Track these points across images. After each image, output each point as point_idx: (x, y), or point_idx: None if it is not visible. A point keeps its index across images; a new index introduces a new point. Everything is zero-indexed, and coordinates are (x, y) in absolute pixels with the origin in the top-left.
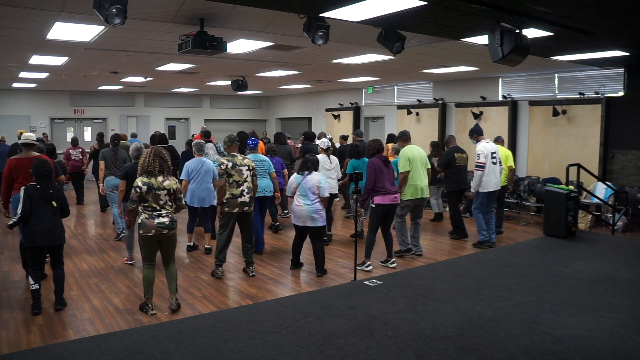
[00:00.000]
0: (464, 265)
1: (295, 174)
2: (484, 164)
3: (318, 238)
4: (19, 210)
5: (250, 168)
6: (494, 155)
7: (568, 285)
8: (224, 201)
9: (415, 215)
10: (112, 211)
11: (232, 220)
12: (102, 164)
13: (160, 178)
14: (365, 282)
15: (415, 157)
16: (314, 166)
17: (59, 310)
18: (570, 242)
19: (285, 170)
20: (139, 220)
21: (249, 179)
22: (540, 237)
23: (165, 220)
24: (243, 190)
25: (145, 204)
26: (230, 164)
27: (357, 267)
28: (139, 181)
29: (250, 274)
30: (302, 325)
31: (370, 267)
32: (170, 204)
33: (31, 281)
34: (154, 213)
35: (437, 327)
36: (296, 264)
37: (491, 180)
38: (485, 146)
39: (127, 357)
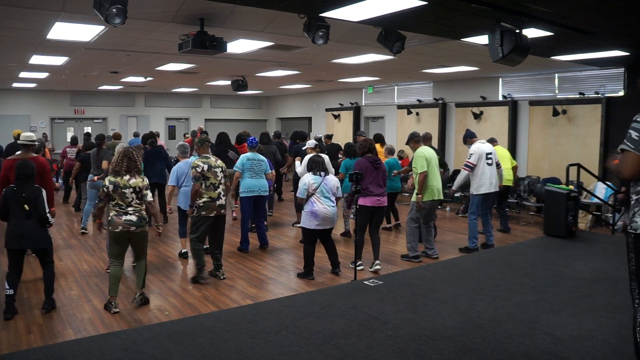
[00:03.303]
0: (464, 265)
1: (310, 175)
2: (473, 165)
3: (330, 238)
4: None
5: (223, 170)
6: (489, 156)
7: (568, 285)
8: (201, 205)
9: (428, 218)
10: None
11: (208, 225)
12: (105, 163)
13: (126, 177)
14: (365, 282)
15: (431, 157)
16: (323, 167)
17: (46, 310)
18: (570, 242)
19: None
20: (109, 218)
21: (222, 180)
22: (540, 237)
23: (133, 217)
24: (220, 193)
25: (114, 202)
26: (205, 167)
27: (350, 266)
28: (106, 180)
29: (221, 277)
30: (302, 325)
31: (362, 267)
32: (138, 202)
33: (6, 285)
34: (121, 210)
35: (437, 327)
36: (311, 273)
37: (485, 182)
38: (479, 147)
39: (127, 357)
